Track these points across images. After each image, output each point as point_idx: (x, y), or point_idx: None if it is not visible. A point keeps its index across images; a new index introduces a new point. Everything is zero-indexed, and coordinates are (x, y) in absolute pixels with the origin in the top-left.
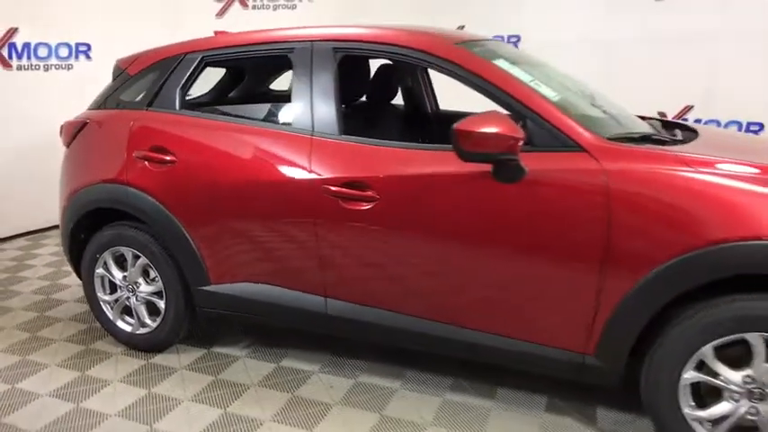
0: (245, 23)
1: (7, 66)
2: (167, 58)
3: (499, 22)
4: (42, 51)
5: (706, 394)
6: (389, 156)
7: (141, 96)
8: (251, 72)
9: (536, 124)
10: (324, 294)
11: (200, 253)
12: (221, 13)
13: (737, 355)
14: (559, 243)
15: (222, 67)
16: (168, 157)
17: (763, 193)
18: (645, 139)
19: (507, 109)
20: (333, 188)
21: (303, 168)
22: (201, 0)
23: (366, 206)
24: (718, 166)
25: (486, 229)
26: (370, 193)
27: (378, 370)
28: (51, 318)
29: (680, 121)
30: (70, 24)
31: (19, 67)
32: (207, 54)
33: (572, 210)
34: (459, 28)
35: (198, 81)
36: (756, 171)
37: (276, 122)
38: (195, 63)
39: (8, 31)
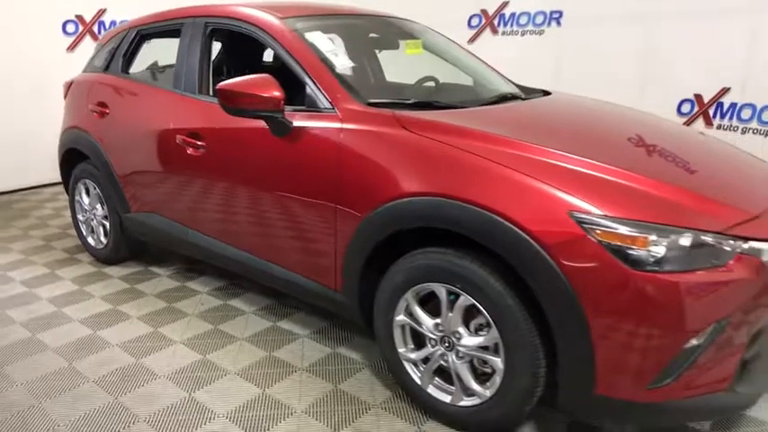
0: None
1: (97, 40)
2: (120, 32)
3: None
4: None
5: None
6: (217, 112)
7: (102, 63)
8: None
9: (311, 88)
10: (186, 225)
11: (123, 186)
12: None
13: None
14: (312, 190)
15: (150, 38)
16: (106, 110)
17: (446, 156)
18: (420, 104)
19: (295, 74)
20: (182, 137)
21: (170, 120)
22: None
23: (199, 153)
24: (432, 130)
25: (265, 175)
26: (201, 142)
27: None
28: (68, 234)
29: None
30: (150, 3)
31: None
32: (139, 29)
33: (319, 161)
34: (503, 3)
35: (139, 50)
36: (471, 141)
37: (166, 83)
38: (133, 35)
39: (98, 12)
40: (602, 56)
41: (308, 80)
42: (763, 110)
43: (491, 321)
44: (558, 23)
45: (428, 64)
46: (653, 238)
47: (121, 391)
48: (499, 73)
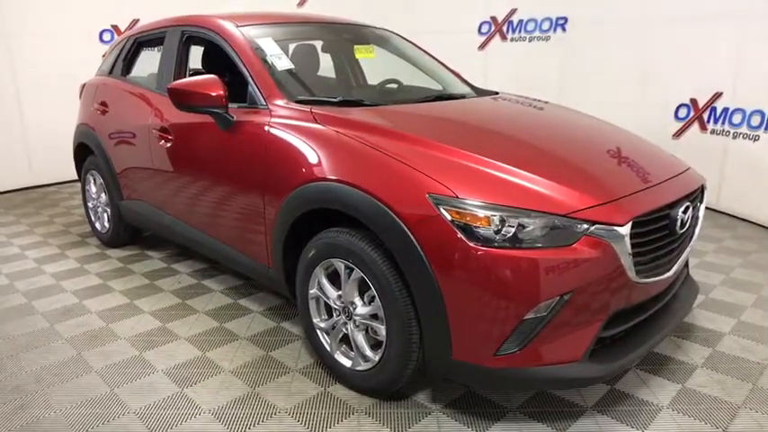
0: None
1: None
2: (122, 41)
3: (549, 4)
4: None
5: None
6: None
7: (108, 67)
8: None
9: (251, 87)
10: (162, 209)
11: (117, 176)
12: (302, 2)
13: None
14: (247, 177)
15: (144, 46)
16: (107, 109)
17: (343, 145)
18: (345, 102)
19: (242, 75)
20: (156, 132)
21: (149, 116)
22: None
23: (168, 145)
24: (337, 124)
25: (213, 163)
26: (170, 136)
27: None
28: (81, 221)
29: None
30: (178, 12)
31: None
32: (136, 37)
33: (252, 151)
34: (511, 11)
35: (138, 56)
36: (365, 133)
37: (150, 84)
38: (131, 43)
39: (131, 22)
40: (605, 60)
41: (250, 80)
42: (752, 114)
43: (375, 292)
44: (564, 29)
45: (409, 68)
46: (499, 218)
47: (85, 348)
48: (458, 75)
